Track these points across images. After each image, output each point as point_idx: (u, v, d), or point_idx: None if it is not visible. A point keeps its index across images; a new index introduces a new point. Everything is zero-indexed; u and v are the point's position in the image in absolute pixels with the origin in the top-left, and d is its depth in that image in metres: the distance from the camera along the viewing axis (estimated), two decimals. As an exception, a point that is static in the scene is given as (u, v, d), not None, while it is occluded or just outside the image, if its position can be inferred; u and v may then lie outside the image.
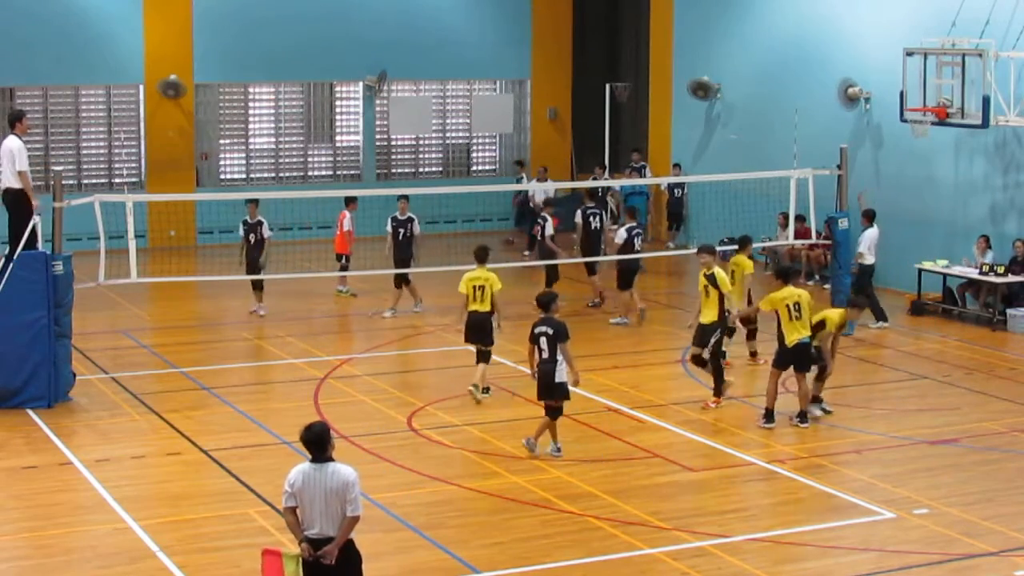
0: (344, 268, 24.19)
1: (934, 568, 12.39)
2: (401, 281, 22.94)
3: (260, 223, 22.85)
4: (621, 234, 22.77)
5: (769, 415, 16.60)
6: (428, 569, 12.36)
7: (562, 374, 15.27)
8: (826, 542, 13.04)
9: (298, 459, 15.77)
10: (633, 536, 13.04)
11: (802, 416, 16.65)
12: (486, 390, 17.80)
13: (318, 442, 9.81)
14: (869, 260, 22.53)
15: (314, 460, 9.81)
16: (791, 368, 16.64)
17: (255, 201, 23.34)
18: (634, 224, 22.93)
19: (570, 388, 15.42)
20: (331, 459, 9.82)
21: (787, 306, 16.46)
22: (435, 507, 13.91)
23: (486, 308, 17.85)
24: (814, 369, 16.90)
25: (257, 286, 22.92)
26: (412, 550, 12.74)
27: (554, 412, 15.41)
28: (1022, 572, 12.37)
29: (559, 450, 15.45)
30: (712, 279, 17.54)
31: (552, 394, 15.34)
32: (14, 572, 12.35)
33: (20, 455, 15.66)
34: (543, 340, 15.27)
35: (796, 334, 16.44)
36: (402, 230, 22.96)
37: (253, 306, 23.03)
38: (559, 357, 15.21)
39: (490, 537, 13.13)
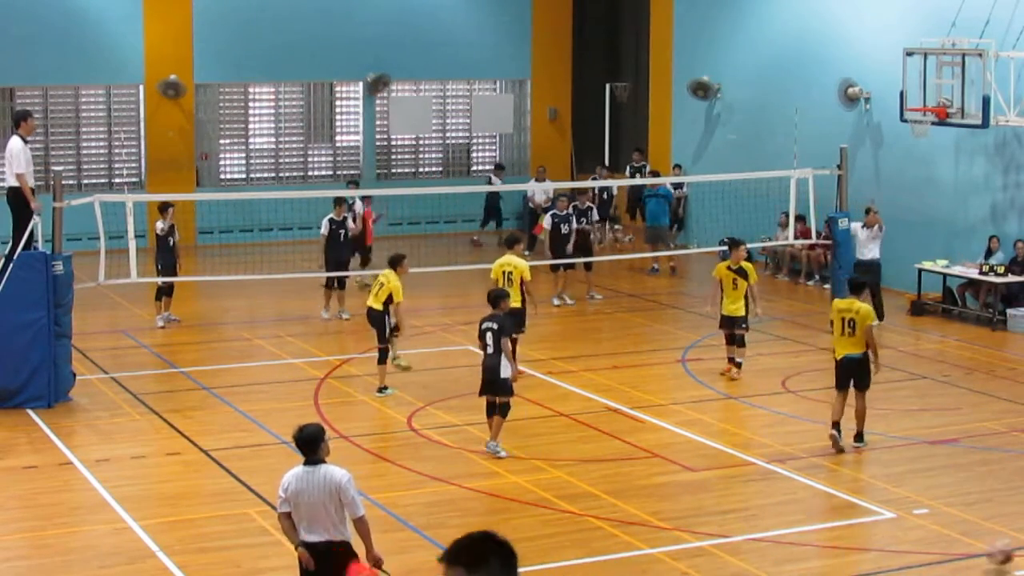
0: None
1: (934, 568, 12.39)
2: (334, 281, 22.69)
3: (173, 226, 22.18)
4: (547, 220, 23.82)
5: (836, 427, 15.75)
6: (428, 569, 12.35)
7: (506, 370, 15.28)
8: (826, 542, 13.05)
9: (298, 459, 15.77)
10: (633, 536, 13.04)
11: (858, 436, 15.83)
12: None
13: (310, 443, 9.73)
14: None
15: (306, 462, 9.74)
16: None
17: (171, 205, 22.44)
18: (566, 211, 23.88)
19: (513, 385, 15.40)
20: (323, 461, 9.74)
21: (843, 319, 15.67)
22: (435, 507, 13.91)
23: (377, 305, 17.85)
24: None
25: (168, 292, 22.21)
26: (412, 550, 12.73)
27: (503, 409, 15.34)
28: (1022, 572, 12.37)
29: (495, 449, 15.34)
30: (741, 271, 18.78)
31: (495, 390, 15.31)
32: (14, 572, 12.35)
33: (20, 455, 15.66)
34: (488, 336, 15.27)
35: (844, 349, 15.66)
36: (341, 231, 22.76)
37: (161, 320, 22.01)
38: (502, 353, 15.22)
39: (490, 537, 13.10)
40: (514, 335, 17.84)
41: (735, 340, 19.00)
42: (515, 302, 17.82)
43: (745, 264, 19.07)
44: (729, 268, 18.98)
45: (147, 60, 29.66)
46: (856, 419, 15.79)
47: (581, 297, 24.09)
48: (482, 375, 15.44)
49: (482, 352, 15.45)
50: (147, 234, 28.03)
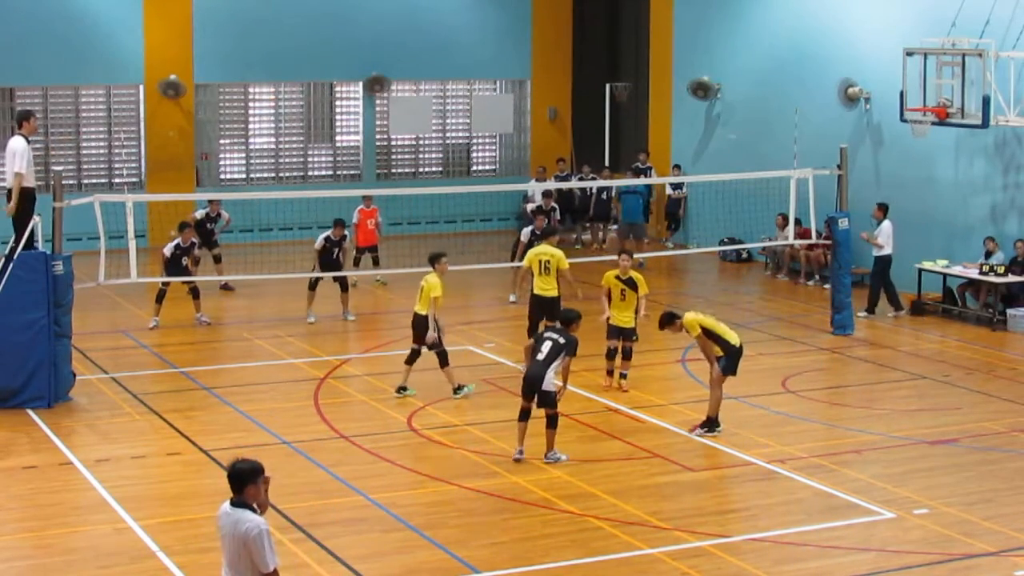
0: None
1: (934, 568, 12.39)
2: (317, 283, 22.61)
3: (194, 244, 22.42)
4: (525, 233, 23.39)
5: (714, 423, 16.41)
6: (428, 569, 12.36)
7: (549, 383, 15.02)
8: (826, 542, 13.05)
9: (298, 459, 15.79)
10: (633, 536, 13.04)
11: (710, 424, 16.39)
12: None
13: (237, 480, 8.97)
14: (887, 251, 23.02)
15: (232, 501, 8.98)
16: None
17: (189, 224, 22.74)
18: (536, 227, 23.02)
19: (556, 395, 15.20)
20: (247, 505, 8.91)
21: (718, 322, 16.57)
22: (435, 507, 13.91)
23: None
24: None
25: (196, 295, 22.42)
26: (412, 550, 12.74)
27: (551, 420, 15.11)
28: (1022, 572, 12.38)
29: (556, 458, 15.22)
30: (631, 282, 18.32)
31: (534, 398, 15.03)
32: (14, 572, 12.35)
33: (20, 455, 15.66)
34: (547, 344, 15.05)
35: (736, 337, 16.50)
36: (336, 250, 22.41)
37: (153, 321, 22.08)
38: (553, 365, 14.96)
39: (490, 537, 13.13)
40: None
41: (625, 353, 18.63)
42: (552, 291, 19.28)
43: (635, 274, 18.49)
44: (618, 278, 18.44)
45: (147, 60, 29.68)
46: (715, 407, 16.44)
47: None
48: (525, 380, 15.14)
49: (528, 358, 15.17)
50: (147, 234, 28.13)
